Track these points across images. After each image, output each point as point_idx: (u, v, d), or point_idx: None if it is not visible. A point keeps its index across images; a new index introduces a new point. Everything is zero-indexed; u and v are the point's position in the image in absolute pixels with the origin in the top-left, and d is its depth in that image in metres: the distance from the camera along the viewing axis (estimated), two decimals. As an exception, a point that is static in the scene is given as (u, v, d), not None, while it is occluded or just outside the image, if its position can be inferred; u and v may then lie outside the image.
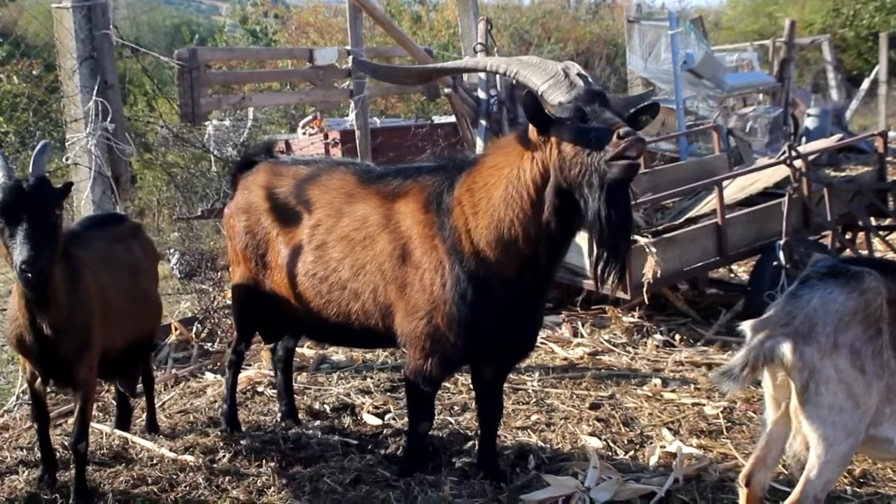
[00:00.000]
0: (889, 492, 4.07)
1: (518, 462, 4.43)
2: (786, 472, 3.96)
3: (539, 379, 5.66)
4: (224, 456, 4.51)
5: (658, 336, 6.42)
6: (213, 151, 9.82)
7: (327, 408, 5.26)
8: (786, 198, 6.49)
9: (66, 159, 6.20)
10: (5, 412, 5.27)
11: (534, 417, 5.02)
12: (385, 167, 4.40)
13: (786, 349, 3.04)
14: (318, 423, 5.01)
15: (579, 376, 5.68)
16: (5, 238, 3.46)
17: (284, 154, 8.67)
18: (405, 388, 4.19)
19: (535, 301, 3.89)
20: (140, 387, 4.95)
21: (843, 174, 9.61)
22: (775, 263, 6.32)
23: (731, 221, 6.44)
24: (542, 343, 6.21)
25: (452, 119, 9.42)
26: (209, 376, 5.88)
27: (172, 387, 5.74)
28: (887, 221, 7.60)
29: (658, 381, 5.53)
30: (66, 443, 4.53)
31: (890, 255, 7.38)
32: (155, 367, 5.61)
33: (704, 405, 5.15)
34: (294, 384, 5.28)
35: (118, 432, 4.80)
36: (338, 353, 6.22)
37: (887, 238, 7.44)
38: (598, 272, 3.51)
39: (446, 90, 8.03)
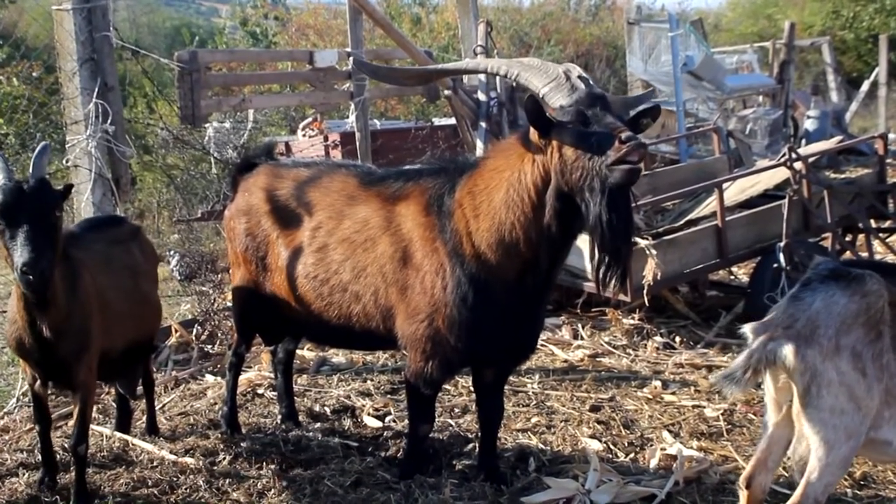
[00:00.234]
0: (889, 494, 4.07)
1: (518, 464, 4.43)
2: (786, 474, 3.96)
3: (539, 381, 5.66)
4: (224, 458, 4.51)
5: (658, 338, 6.41)
6: (213, 153, 9.82)
7: (328, 410, 5.26)
8: (786, 200, 6.49)
9: (66, 161, 6.20)
10: (5, 414, 5.26)
11: (534, 420, 5.02)
12: (386, 169, 4.40)
13: (787, 352, 3.04)
14: (318, 425, 5.00)
15: (580, 378, 5.68)
16: (5, 240, 3.46)
17: (284, 156, 8.68)
18: (406, 391, 4.19)
19: (535, 304, 3.89)
20: (140, 389, 4.95)
21: (843, 176, 9.63)
22: (775, 265, 6.32)
23: (731, 223, 6.44)
24: (542, 345, 6.20)
25: (452, 121, 9.42)
26: (209, 378, 5.88)
27: (172, 389, 5.73)
28: (887, 223, 7.61)
29: (658, 384, 5.53)
30: (66, 445, 4.53)
31: (890, 258, 7.39)
32: (155, 370, 5.61)
33: (705, 407, 5.15)
34: (294, 386, 5.28)
35: (118, 434, 4.80)
36: (338, 356, 6.22)
37: (887, 240, 7.44)
38: (600, 276, 3.51)
39: (446, 92, 8.04)
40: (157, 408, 5.10)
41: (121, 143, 6.18)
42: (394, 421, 5.04)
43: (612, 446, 4.66)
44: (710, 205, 7.01)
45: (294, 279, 4.29)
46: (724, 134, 9.66)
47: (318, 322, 4.28)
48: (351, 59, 8.12)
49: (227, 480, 4.23)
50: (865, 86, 18.57)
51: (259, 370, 5.91)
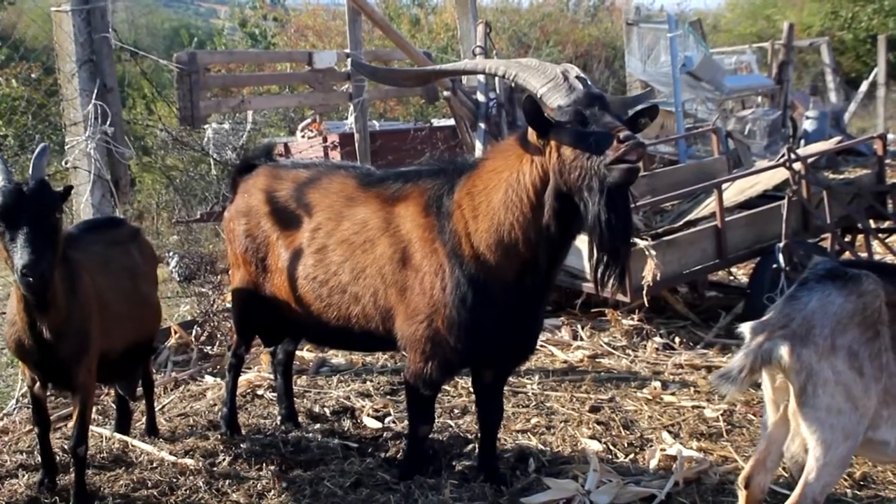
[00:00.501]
0: (889, 495, 4.07)
1: (518, 465, 4.43)
2: (786, 474, 3.96)
3: (539, 382, 5.66)
4: (224, 459, 4.51)
5: (658, 339, 6.42)
6: (212, 155, 9.82)
7: (327, 411, 5.26)
8: (785, 200, 6.49)
9: (66, 163, 6.20)
10: (5, 416, 5.26)
11: (534, 420, 5.02)
12: (385, 171, 4.40)
13: (783, 351, 3.04)
14: (317, 426, 5.00)
15: (579, 379, 5.68)
16: (5, 242, 3.46)
17: (283, 157, 8.68)
18: (405, 392, 4.19)
19: (535, 304, 3.89)
20: (140, 390, 4.95)
21: (842, 177, 9.61)
22: (775, 266, 6.32)
23: (730, 224, 6.44)
24: (541, 346, 6.20)
25: (451, 122, 9.41)
26: (209, 380, 5.88)
27: (172, 390, 5.73)
28: (886, 224, 7.61)
29: (658, 384, 5.53)
30: (65, 446, 4.53)
31: (889, 258, 7.39)
32: (154, 371, 5.60)
33: (704, 408, 5.15)
34: (294, 387, 5.28)
35: (118, 436, 4.80)
36: (337, 357, 6.22)
37: (886, 241, 7.45)
38: (599, 276, 3.51)
39: (445, 93, 8.04)
40: (156, 409, 5.10)
41: (120, 145, 6.18)
42: (393, 422, 5.04)
43: (611, 447, 4.66)
44: (709, 205, 7.01)
45: (293, 280, 4.29)
46: (723, 134, 9.66)
47: (318, 323, 4.28)
48: (350, 60, 8.12)
49: (227, 481, 4.23)
50: (864, 86, 18.58)
51: (258, 371, 5.91)
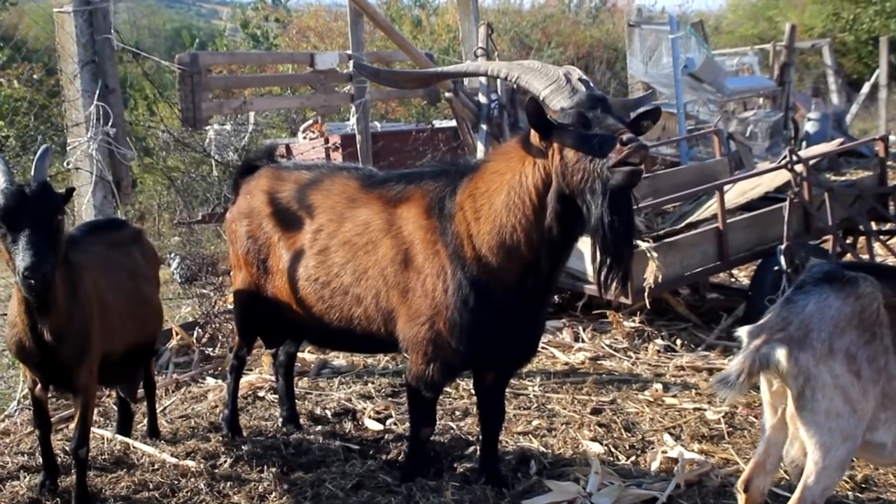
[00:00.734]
0: (891, 497, 4.06)
1: (519, 467, 4.43)
2: (787, 477, 3.96)
3: (540, 384, 5.66)
4: (225, 461, 4.51)
5: (659, 341, 6.41)
6: (213, 156, 9.82)
7: (329, 413, 5.25)
8: (787, 202, 6.48)
9: (67, 164, 6.21)
10: (6, 417, 5.26)
11: (535, 422, 5.02)
12: (387, 172, 4.40)
13: (781, 355, 3.04)
14: (319, 428, 5.00)
15: (580, 381, 5.67)
16: (7, 244, 3.45)
17: (285, 158, 8.68)
18: (407, 394, 4.19)
19: (536, 306, 3.89)
20: (141, 392, 4.95)
21: (843, 179, 9.63)
22: (776, 268, 6.31)
23: (732, 226, 6.44)
24: (543, 348, 6.20)
25: (453, 123, 9.41)
26: (210, 381, 5.88)
27: (173, 392, 5.73)
28: (888, 226, 7.61)
29: (659, 387, 5.53)
30: (67, 448, 4.52)
31: (891, 260, 7.39)
32: (156, 372, 5.60)
33: (706, 410, 5.14)
34: (295, 389, 5.28)
35: (119, 437, 4.80)
36: (339, 358, 6.22)
37: (888, 242, 7.44)
38: (602, 278, 3.51)
39: (447, 94, 8.04)
40: (157, 411, 5.09)
41: (122, 146, 6.18)
42: (395, 424, 5.04)
43: (613, 449, 4.65)
44: (710, 207, 7.01)
45: (295, 282, 4.29)
46: (724, 136, 9.65)
47: (320, 325, 4.28)
48: (351, 61, 8.13)
49: (229, 483, 4.23)
50: (866, 88, 18.57)
51: (260, 373, 5.91)
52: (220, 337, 6.57)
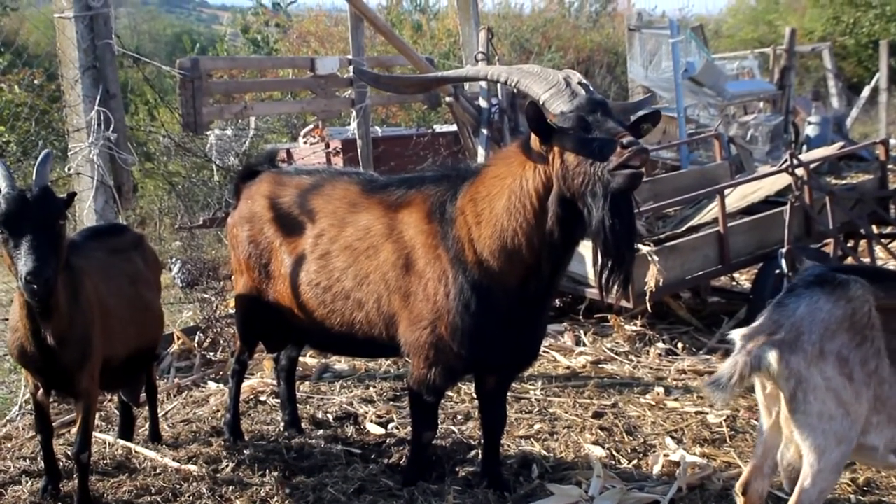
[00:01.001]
0: (892, 500, 4.06)
1: (521, 471, 4.43)
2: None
3: (542, 388, 5.66)
4: (227, 465, 4.51)
5: (660, 344, 6.41)
6: (214, 161, 9.83)
7: (330, 417, 5.26)
8: (787, 206, 6.49)
9: (69, 169, 6.22)
10: (8, 422, 5.26)
11: (537, 426, 5.02)
12: (388, 177, 4.40)
13: (771, 358, 3.04)
14: (321, 432, 5.01)
15: (582, 385, 5.67)
16: (9, 248, 3.46)
17: (286, 163, 8.69)
18: (408, 398, 4.20)
19: (538, 310, 3.90)
20: (143, 396, 4.95)
21: (844, 182, 9.63)
22: (777, 272, 6.32)
23: (732, 230, 6.44)
24: (544, 352, 6.20)
25: (454, 128, 9.42)
26: (212, 386, 5.88)
27: (175, 396, 5.73)
28: (889, 229, 7.61)
29: (661, 390, 5.53)
30: (68, 453, 4.52)
31: (892, 264, 7.39)
32: (157, 377, 5.60)
33: (707, 414, 5.15)
34: (297, 393, 5.28)
35: (121, 442, 4.80)
36: (340, 363, 6.22)
37: (889, 246, 7.44)
38: (603, 281, 3.51)
39: (448, 99, 8.05)
40: (159, 415, 5.10)
41: (123, 151, 6.19)
42: (397, 428, 5.04)
43: (614, 453, 4.65)
44: (711, 211, 7.01)
45: (297, 286, 4.29)
46: (725, 140, 9.65)
47: (321, 329, 4.28)
48: (352, 66, 8.14)
49: (230, 488, 4.23)
50: (866, 91, 18.57)
51: (262, 377, 5.91)
52: (221, 341, 6.58)
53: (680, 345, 6.41)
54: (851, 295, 3.10)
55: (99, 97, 6.01)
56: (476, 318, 3.75)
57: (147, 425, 4.98)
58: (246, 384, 5.52)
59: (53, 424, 4.46)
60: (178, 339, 6.51)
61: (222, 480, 4.32)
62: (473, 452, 4.62)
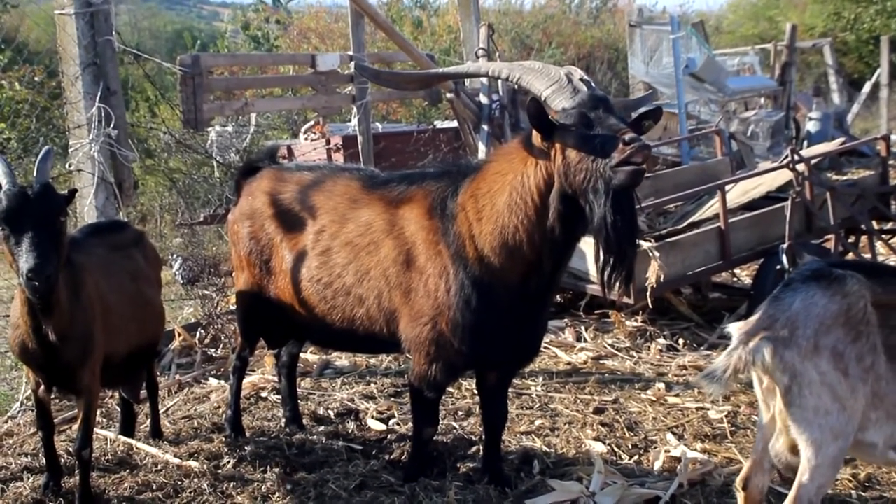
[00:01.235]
0: (894, 496, 4.06)
1: (522, 467, 4.43)
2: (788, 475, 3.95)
3: (543, 384, 5.66)
4: (228, 462, 4.51)
5: (661, 340, 6.42)
6: (215, 157, 9.82)
7: (331, 413, 5.26)
8: (788, 202, 6.49)
9: (69, 165, 6.22)
10: (9, 419, 5.26)
11: (538, 422, 5.02)
12: (389, 173, 4.40)
13: (766, 353, 3.05)
14: (322, 428, 5.01)
15: (583, 381, 5.68)
16: (10, 245, 3.46)
17: (286, 160, 8.69)
18: (409, 394, 4.20)
19: (539, 306, 3.89)
20: (144, 393, 4.95)
21: (845, 178, 9.61)
22: (778, 267, 6.32)
23: (733, 225, 6.44)
24: (545, 348, 6.20)
25: (454, 124, 9.42)
26: (213, 382, 5.88)
27: (176, 393, 5.74)
28: (890, 225, 7.61)
29: (662, 386, 5.53)
30: (70, 449, 4.53)
31: (893, 259, 7.39)
32: (159, 373, 5.60)
33: (708, 409, 5.15)
34: (298, 390, 5.28)
35: (122, 438, 4.81)
36: (341, 359, 6.22)
37: (890, 241, 7.44)
38: (605, 278, 3.51)
39: (448, 95, 8.05)
40: (160, 412, 5.10)
41: (123, 147, 6.19)
42: (398, 424, 5.04)
43: (615, 448, 4.66)
44: (712, 207, 7.02)
45: (297, 282, 4.29)
46: (726, 136, 9.65)
47: (322, 325, 4.28)
48: (353, 62, 8.13)
49: (232, 484, 4.24)
50: (867, 87, 18.57)
51: (263, 374, 5.92)
52: (222, 338, 6.58)
53: (681, 341, 6.42)
54: (847, 290, 3.10)
55: (99, 94, 6.01)
56: (477, 315, 3.75)
57: (148, 422, 4.98)
58: (247, 380, 5.52)
59: (55, 421, 4.47)
60: (179, 335, 6.51)
61: (223, 477, 4.33)
62: (474, 448, 4.62)
